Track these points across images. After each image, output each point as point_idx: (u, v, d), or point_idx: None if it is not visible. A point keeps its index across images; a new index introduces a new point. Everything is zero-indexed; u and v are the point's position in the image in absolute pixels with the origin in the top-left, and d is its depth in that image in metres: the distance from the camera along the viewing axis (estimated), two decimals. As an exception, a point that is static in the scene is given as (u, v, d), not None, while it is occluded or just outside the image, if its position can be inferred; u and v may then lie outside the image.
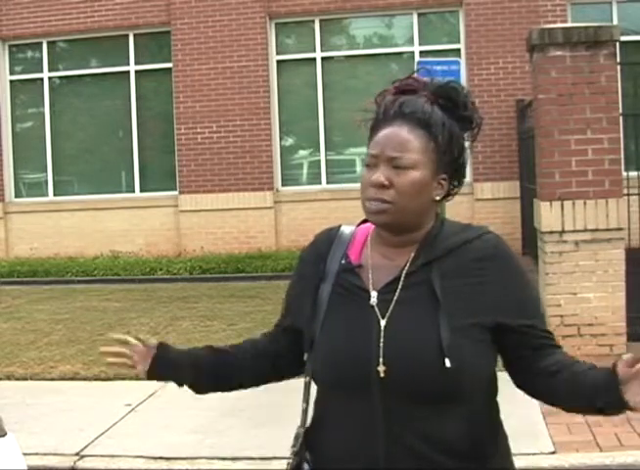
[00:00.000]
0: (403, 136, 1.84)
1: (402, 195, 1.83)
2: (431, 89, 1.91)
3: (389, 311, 1.84)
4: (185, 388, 2.13)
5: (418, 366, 1.77)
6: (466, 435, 1.81)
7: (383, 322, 1.83)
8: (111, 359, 2.05)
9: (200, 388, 2.12)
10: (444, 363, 1.75)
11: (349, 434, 1.84)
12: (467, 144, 1.96)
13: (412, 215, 1.86)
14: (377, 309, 1.84)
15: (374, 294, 1.86)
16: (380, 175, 1.83)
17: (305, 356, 1.94)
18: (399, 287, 1.85)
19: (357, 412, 1.82)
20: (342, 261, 1.93)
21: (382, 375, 1.79)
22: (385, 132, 1.86)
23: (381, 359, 1.79)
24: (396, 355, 1.79)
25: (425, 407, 1.79)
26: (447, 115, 1.88)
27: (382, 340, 1.81)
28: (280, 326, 2.09)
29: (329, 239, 2.00)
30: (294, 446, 1.95)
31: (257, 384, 2.16)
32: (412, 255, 1.88)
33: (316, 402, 1.95)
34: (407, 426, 1.79)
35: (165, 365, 2.06)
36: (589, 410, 1.82)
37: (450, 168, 1.90)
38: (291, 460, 1.95)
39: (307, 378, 1.95)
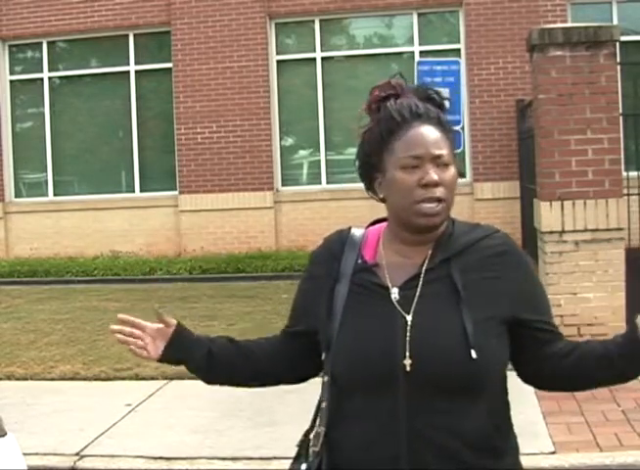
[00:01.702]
0: (436, 134, 1.87)
1: (449, 191, 1.87)
2: (412, 92, 1.92)
3: (413, 307, 1.85)
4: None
5: (445, 359, 1.79)
6: (485, 429, 1.83)
7: (409, 317, 1.84)
8: (120, 337, 1.99)
9: (212, 377, 2.09)
10: (470, 355, 1.78)
11: (370, 433, 1.84)
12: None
13: (450, 211, 1.91)
14: (399, 305, 1.86)
15: (394, 290, 1.88)
16: (433, 174, 1.84)
17: (323, 356, 1.94)
18: (420, 283, 1.87)
19: (379, 410, 1.83)
20: (358, 262, 1.94)
21: (408, 369, 1.80)
22: (415, 133, 1.87)
23: (407, 354, 1.80)
24: (423, 349, 1.80)
25: (447, 402, 1.80)
26: None
27: (408, 335, 1.82)
28: (290, 330, 2.07)
29: (340, 240, 2.00)
30: (314, 445, 1.93)
31: (270, 383, 2.15)
32: (429, 252, 1.90)
33: (332, 401, 1.92)
34: (429, 421, 1.80)
35: (181, 348, 2.02)
36: (610, 376, 1.89)
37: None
38: (310, 460, 1.93)
39: (326, 377, 1.94)
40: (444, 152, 1.86)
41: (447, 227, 1.93)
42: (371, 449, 1.83)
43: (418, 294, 1.86)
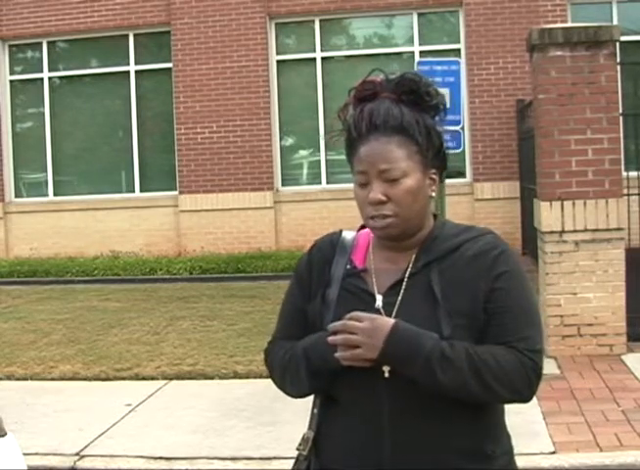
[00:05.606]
0: (385, 148, 1.83)
1: (402, 205, 1.84)
2: (390, 88, 1.87)
3: (394, 312, 1.84)
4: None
5: None
6: (470, 432, 1.82)
7: None
8: None
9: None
10: None
11: (355, 436, 1.85)
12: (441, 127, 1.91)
13: (415, 220, 1.88)
14: (382, 312, 1.85)
15: (379, 297, 1.87)
16: (376, 193, 1.83)
17: None
18: (403, 288, 1.87)
19: (363, 414, 1.83)
20: (348, 266, 1.94)
21: (386, 375, 1.80)
22: (366, 149, 1.85)
23: None
24: None
25: (428, 407, 1.80)
26: (415, 109, 1.86)
27: None
28: (284, 337, 2.01)
29: (331, 244, 2.00)
30: (303, 449, 1.94)
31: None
32: (413, 257, 1.89)
33: (322, 405, 1.94)
34: (411, 425, 1.80)
35: None
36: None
37: (437, 160, 1.90)
38: (299, 464, 1.95)
39: None
40: (391, 166, 1.82)
41: (433, 230, 1.91)
42: (355, 453, 1.84)
43: (400, 299, 1.86)
